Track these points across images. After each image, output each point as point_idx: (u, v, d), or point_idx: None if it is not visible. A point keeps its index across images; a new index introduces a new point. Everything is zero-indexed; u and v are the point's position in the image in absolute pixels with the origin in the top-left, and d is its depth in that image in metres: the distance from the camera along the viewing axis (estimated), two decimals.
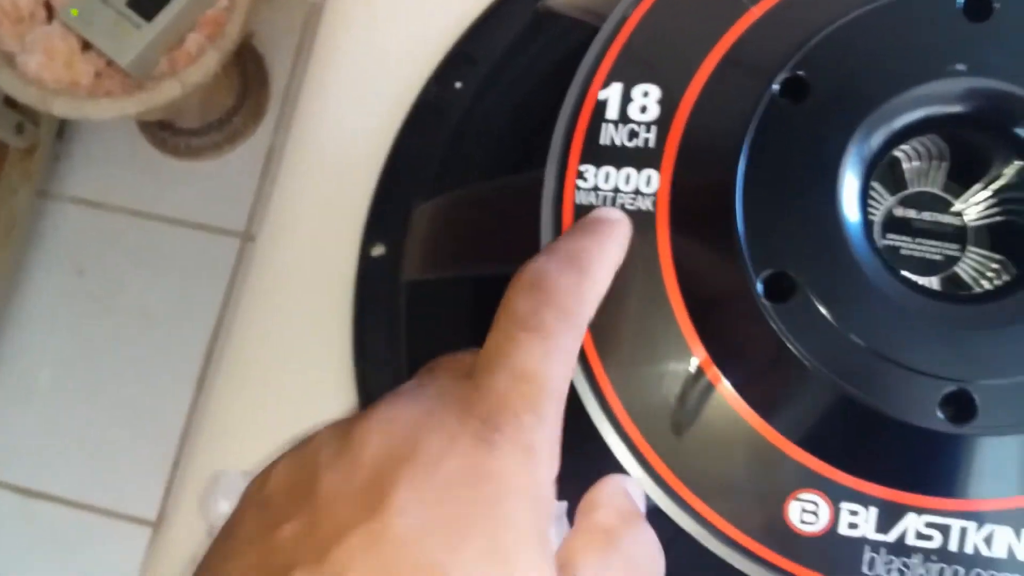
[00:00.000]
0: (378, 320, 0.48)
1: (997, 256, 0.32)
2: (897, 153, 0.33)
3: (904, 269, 0.32)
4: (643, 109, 0.31)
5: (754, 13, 0.31)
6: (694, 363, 0.29)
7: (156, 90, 0.75)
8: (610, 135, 0.31)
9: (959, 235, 0.32)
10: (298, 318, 0.50)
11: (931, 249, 0.32)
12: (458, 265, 0.44)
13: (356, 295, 0.49)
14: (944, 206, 0.33)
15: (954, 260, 0.32)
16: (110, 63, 0.77)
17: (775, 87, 0.29)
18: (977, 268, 0.32)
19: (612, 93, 0.32)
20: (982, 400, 0.27)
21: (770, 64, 0.30)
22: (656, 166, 0.31)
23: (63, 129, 1.04)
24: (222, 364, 0.50)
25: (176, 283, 1.01)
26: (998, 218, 0.32)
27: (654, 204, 0.31)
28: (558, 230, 0.31)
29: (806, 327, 0.28)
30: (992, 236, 0.33)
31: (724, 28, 0.31)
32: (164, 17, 0.75)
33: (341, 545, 0.22)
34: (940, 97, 0.29)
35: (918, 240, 0.32)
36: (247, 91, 1.02)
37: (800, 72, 0.29)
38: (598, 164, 0.31)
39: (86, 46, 0.77)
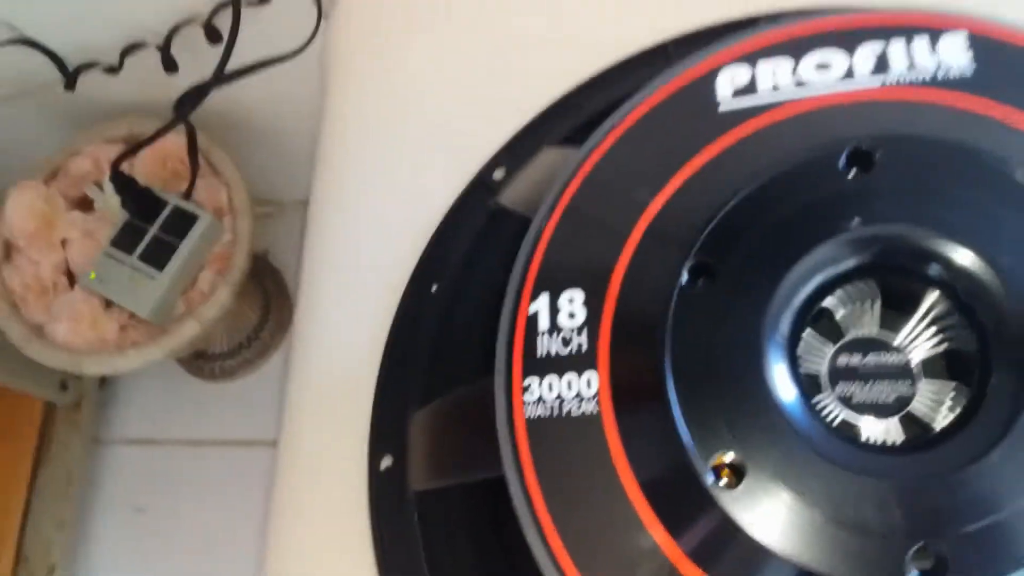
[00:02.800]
0: (396, 534, 0.49)
1: (950, 384, 0.32)
2: (827, 303, 0.33)
3: (863, 413, 0.32)
4: (571, 315, 0.32)
5: (655, 206, 0.32)
6: (660, 558, 0.29)
7: (177, 333, 0.79)
8: (545, 346, 0.33)
9: (906, 372, 0.33)
10: (321, 541, 0.51)
11: (883, 391, 0.32)
12: (455, 472, 0.45)
13: (372, 512, 0.50)
14: (885, 346, 0.33)
15: (908, 398, 0.32)
16: (132, 315, 0.81)
17: (684, 275, 0.31)
18: (932, 401, 0.32)
19: (541, 305, 0.33)
20: (952, 551, 0.27)
21: (677, 253, 0.31)
22: (593, 367, 0.32)
23: (104, 377, 1.09)
24: None
25: (231, 503, 1.03)
26: (942, 347, 0.33)
27: (598, 405, 0.31)
28: (514, 449, 0.32)
29: (760, 510, 0.28)
30: (940, 366, 0.33)
31: (630, 225, 0.32)
32: (175, 264, 0.80)
33: None
34: (840, 254, 0.30)
35: (868, 385, 0.33)
36: (270, 305, 1.07)
37: (704, 258, 0.30)
38: (540, 375, 0.32)
39: (108, 304, 0.82)
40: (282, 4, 0.73)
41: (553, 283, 0.33)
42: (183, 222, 0.82)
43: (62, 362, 0.78)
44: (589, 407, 0.31)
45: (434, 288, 0.52)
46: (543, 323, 0.33)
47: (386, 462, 0.50)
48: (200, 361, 1.07)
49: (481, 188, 0.54)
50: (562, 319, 0.32)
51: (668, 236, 0.32)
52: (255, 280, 1.07)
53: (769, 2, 0.47)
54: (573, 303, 0.32)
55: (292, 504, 0.52)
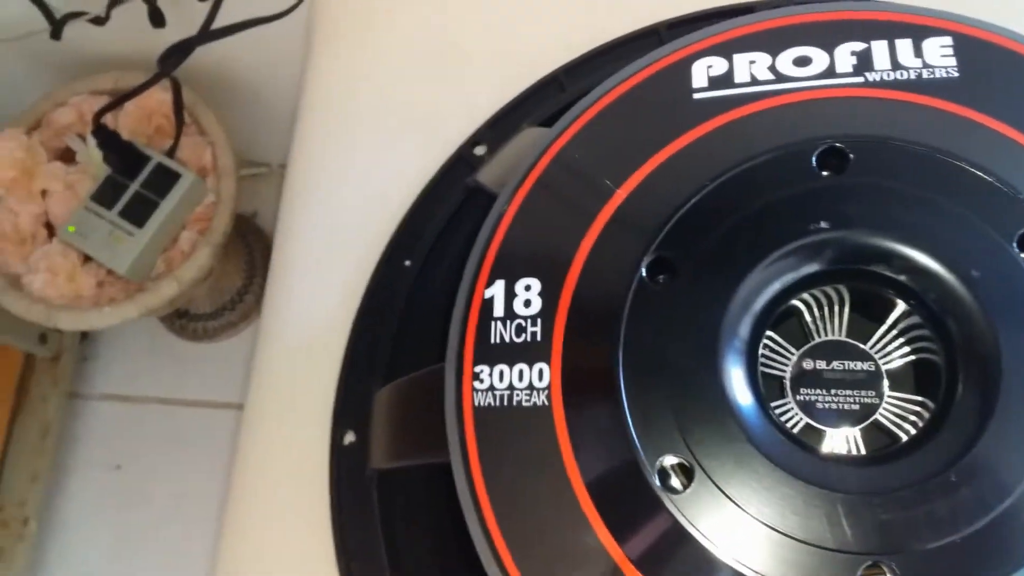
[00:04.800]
0: (354, 512, 0.48)
1: (915, 399, 0.31)
2: (798, 305, 0.32)
3: (823, 423, 0.31)
4: (527, 303, 0.31)
5: (619, 195, 0.31)
6: (603, 556, 0.28)
7: (154, 291, 0.78)
8: (499, 332, 0.32)
9: (874, 381, 0.32)
10: (279, 507, 0.50)
11: (848, 399, 0.31)
12: (413, 454, 0.44)
13: (331, 488, 0.49)
14: (852, 353, 0.32)
15: (873, 408, 0.31)
16: (110, 272, 0.80)
17: (643, 271, 0.29)
18: (897, 413, 0.31)
19: (496, 291, 0.32)
20: (904, 570, 0.26)
21: (638, 246, 0.30)
22: (546, 359, 0.31)
23: (85, 332, 1.08)
24: (217, 556, 0.51)
25: (207, 464, 1.03)
26: (910, 357, 0.31)
27: (549, 398, 0.30)
28: (461, 438, 0.31)
29: (707, 515, 0.27)
30: (908, 377, 0.31)
31: (593, 214, 0.31)
32: (154, 222, 0.79)
33: None
34: (805, 258, 0.29)
35: (833, 392, 0.31)
36: (255, 268, 1.06)
37: (665, 253, 0.29)
38: (491, 364, 0.31)
39: (86, 259, 0.81)
40: None
41: (510, 269, 0.32)
42: (165, 180, 0.80)
43: (37, 314, 0.77)
44: (539, 399, 0.30)
45: (407, 263, 0.51)
46: (498, 309, 0.32)
47: (349, 437, 0.49)
48: (183, 320, 1.06)
49: (461, 164, 0.52)
50: (517, 306, 0.31)
51: (631, 228, 0.30)
52: (241, 242, 1.05)
53: None
54: (530, 291, 0.31)
55: (253, 472, 0.51)
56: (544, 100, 0.52)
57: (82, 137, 0.83)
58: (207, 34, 0.70)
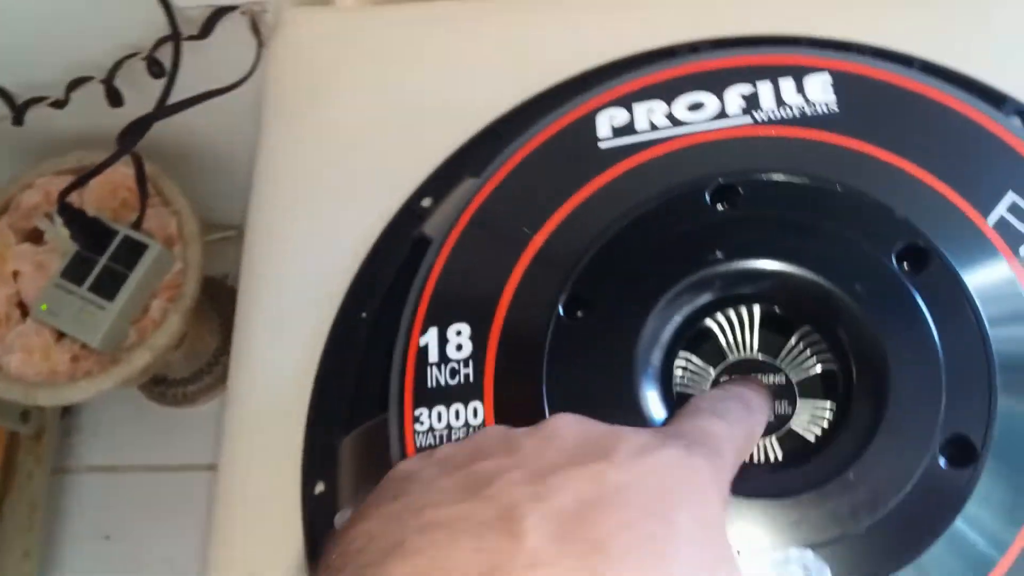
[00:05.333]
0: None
1: (825, 404, 0.34)
2: (710, 323, 0.35)
3: None
4: (459, 347, 0.34)
5: (537, 240, 0.34)
6: None
7: (128, 362, 0.80)
8: (435, 377, 0.34)
9: (787, 392, 0.34)
10: (258, 559, 0.52)
11: None
12: None
13: (306, 539, 0.51)
14: (765, 368, 0.34)
15: (787, 417, 0.34)
16: (84, 346, 0.82)
17: (560, 308, 0.32)
18: (809, 419, 0.34)
19: (431, 338, 0.35)
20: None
21: (555, 286, 0.32)
22: (480, 397, 0.33)
23: (66, 406, 1.10)
24: None
25: (196, 527, 1.04)
26: (816, 368, 0.34)
27: None
28: None
29: None
30: (816, 385, 0.34)
31: (514, 259, 0.34)
32: (124, 293, 0.81)
33: (558, 473, 0.24)
34: (704, 286, 0.31)
35: None
36: (229, 331, 1.07)
37: (579, 290, 0.32)
38: (430, 406, 0.34)
39: (60, 335, 0.83)
40: (223, 37, 0.74)
41: (442, 316, 0.34)
42: (133, 252, 0.83)
43: (16, 394, 0.79)
44: None
45: (363, 315, 0.53)
46: (432, 355, 0.34)
47: (319, 487, 0.51)
48: (161, 387, 1.07)
49: (409, 216, 0.55)
50: (450, 351, 0.34)
51: (549, 270, 0.33)
52: (213, 305, 1.07)
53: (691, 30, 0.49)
54: (461, 335, 0.34)
55: (230, 528, 0.53)
56: (484, 151, 0.55)
57: (49, 217, 0.86)
58: (164, 110, 0.73)
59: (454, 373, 0.34)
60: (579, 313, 0.32)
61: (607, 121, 0.36)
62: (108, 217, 0.85)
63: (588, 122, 0.36)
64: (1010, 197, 0.32)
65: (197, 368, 1.05)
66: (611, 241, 0.32)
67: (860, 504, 0.29)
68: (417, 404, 0.34)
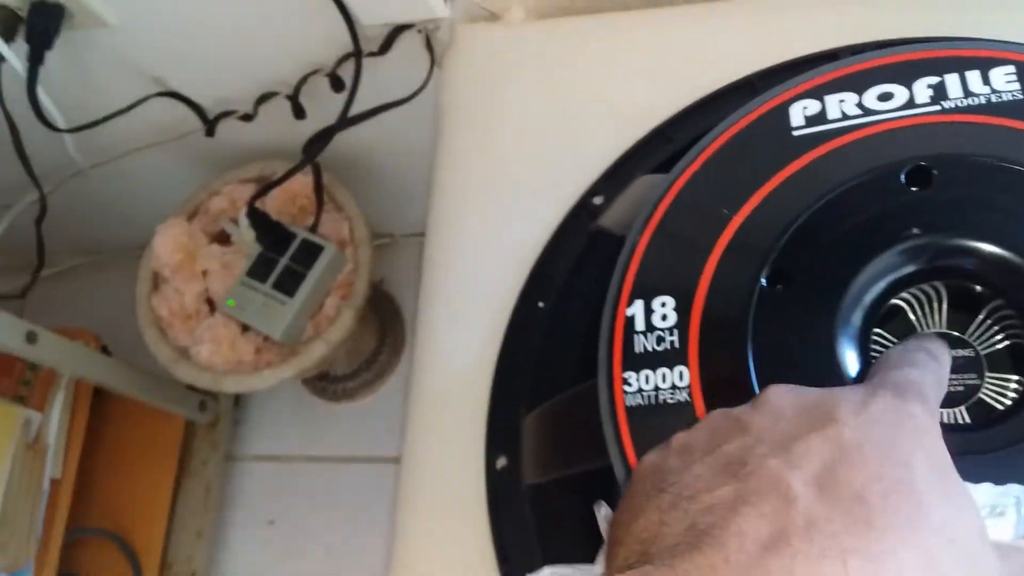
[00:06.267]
0: (513, 527, 0.54)
1: (1013, 378, 0.35)
2: (898, 302, 0.37)
3: None
4: (664, 317, 0.37)
5: (736, 220, 0.37)
6: None
7: (306, 353, 0.87)
8: (642, 344, 0.37)
9: (975, 365, 0.36)
10: (444, 536, 0.56)
11: (953, 382, 0.36)
12: (563, 465, 0.50)
13: (490, 507, 0.54)
14: (953, 342, 0.36)
15: (976, 388, 0.36)
16: (266, 338, 0.89)
17: (763, 280, 0.35)
18: (997, 391, 0.35)
19: (637, 309, 0.38)
20: None
21: (756, 260, 0.35)
22: (684, 362, 0.36)
23: (239, 397, 1.18)
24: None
25: (352, 516, 1.10)
26: (1005, 343, 0.36)
27: (690, 395, 0.36)
28: (617, 434, 0.37)
29: None
30: (1004, 359, 0.36)
31: (714, 237, 0.37)
32: (303, 291, 0.88)
33: (799, 442, 0.28)
34: (901, 260, 0.34)
35: None
36: (386, 330, 1.14)
37: (781, 264, 0.35)
38: (637, 370, 0.37)
39: (244, 328, 0.90)
40: (399, 54, 0.80)
41: (647, 290, 0.38)
42: (310, 253, 0.90)
43: (205, 381, 0.87)
44: (681, 396, 0.36)
45: (541, 304, 0.57)
46: (639, 324, 0.38)
47: (501, 462, 0.55)
48: (323, 383, 1.15)
49: (582, 212, 0.59)
50: (656, 320, 0.37)
51: (749, 246, 0.36)
52: (371, 306, 1.14)
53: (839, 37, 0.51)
54: (665, 307, 0.37)
55: (418, 507, 0.57)
56: (652, 151, 0.58)
57: (234, 221, 0.94)
58: (345, 121, 0.80)
59: (660, 340, 0.37)
60: (779, 286, 0.35)
61: (800, 111, 0.39)
62: (287, 222, 0.92)
63: (782, 112, 0.39)
64: None
65: (357, 365, 1.12)
66: (810, 219, 0.35)
67: None
68: (625, 368, 0.37)
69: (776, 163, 0.38)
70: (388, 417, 1.13)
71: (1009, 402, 0.35)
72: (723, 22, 0.62)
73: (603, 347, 0.38)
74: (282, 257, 0.90)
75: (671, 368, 0.36)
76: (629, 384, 0.37)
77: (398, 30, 0.78)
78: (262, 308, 0.88)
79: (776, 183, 0.37)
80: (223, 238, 0.95)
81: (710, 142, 0.40)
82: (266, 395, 1.17)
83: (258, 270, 0.90)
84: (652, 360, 0.37)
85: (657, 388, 0.36)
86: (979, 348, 0.36)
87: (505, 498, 0.54)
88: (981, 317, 0.36)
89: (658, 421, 0.36)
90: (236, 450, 1.18)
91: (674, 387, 0.36)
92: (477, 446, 0.56)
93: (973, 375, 0.36)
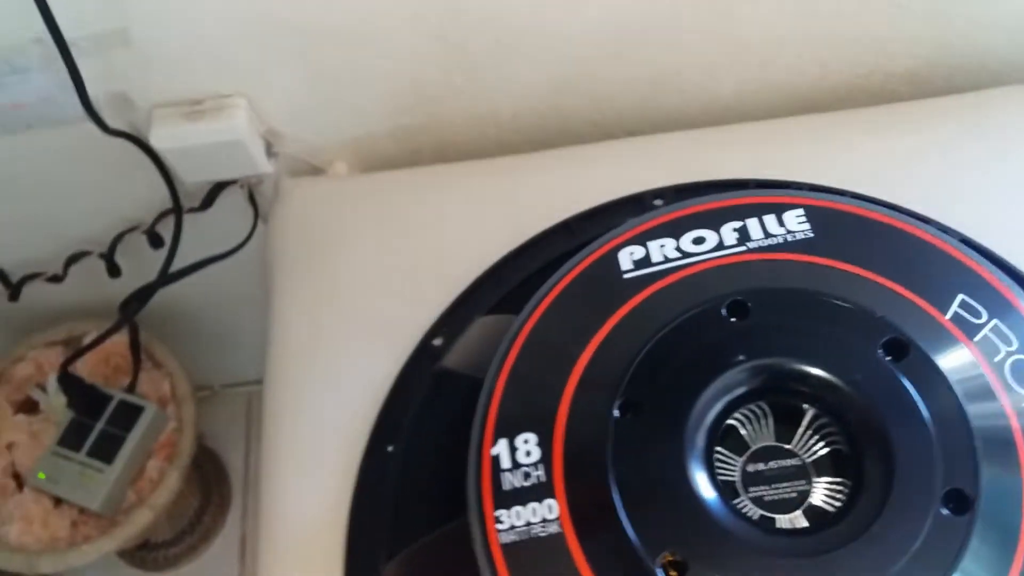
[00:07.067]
0: None
1: (837, 480, 0.40)
2: (732, 422, 0.41)
3: (771, 512, 0.40)
4: (528, 453, 0.40)
5: (584, 358, 0.40)
6: None
7: (129, 523, 0.82)
8: (510, 481, 0.39)
9: (802, 472, 0.41)
10: None
11: (786, 490, 0.40)
12: None
13: None
14: (782, 452, 0.41)
15: (806, 494, 0.40)
16: (82, 510, 0.83)
17: (615, 411, 0.38)
18: (827, 495, 0.40)
19: (501, 448, 0.40)
20: None
21: (607, 393, 0.39)
22: (552, 495, 0.39)
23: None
24: None
25: None
26: (826, 449, 0.41)
27: (560, 525, 0.38)
28: (494, 572, 0.38)
29: None
30: (827, 464, 0.41)
31: (566, 374, 0.40)
32: (123, 456, 0.83)
33: None
34: (732, 382, 0.38)
35: (774, 485, 0.40)
36: (209, 488, 1.09)
37: (628, 395, 0.38)
38: (508, 507, 0.39)
39: (58, 501, 0.84)
40: (221, 208, 0.80)
41: (509, 428, 0.40)
42: (129, 414, 0.86)
43: (18, 564, 0.80)
44: (553, 527, 0.38)
45: (390, 448, 0.58)
46: (505, 462, 0.40)
47: None
48: (142, 552, 1.07)
49: (423, 355, 0.61)
50: (520, 456, 0.40)
51: (599, 381, 0.39)
52: (192, 464, 1.09)
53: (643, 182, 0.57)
54: (528, 443, 0.40)
55: None
56: (485, 294, 0.62)
57: (42, 387, 0.88)
58: (166, 278, 0.78)
59: (527, 476, 0.39)
60: (629, 415, 0.39)
61: (628, 256, 0.43)
62: (101, 383, 0.88)
63: (612, 258, 0.43)
64: (960, 296, 0.40)
65: (179, 529, 1.06)
66: (650, 351, 0.39)
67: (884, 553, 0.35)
68: (496, 506, 0.39)
69: (613, 303, 0.42)
70: None
71: (839, 503, 0.39)
72: (536, 171, 0.67)
73: (471, 487, 0.40)
74: (97, 422, 0.85)
75: (540, 502, 0.38)
76: (501, 522, 0.39)
77: (220, 185, 0.78)
78: (77, 478, 0.83)
79: (615, 321, 0.41)
80: (30, 406, 0.89)
81: (552, 286, 0.44)
82: (74, 573, 1.08)
83: (71, 438, 0.85)
84: (521, 496, 0.39)
85: (528, 523, 0.38)
86: (804, 457, 0.41)
87: None
88: (802, 428, 0.41)
89: (532, 555, 0.38)
90: None
91: (544, 520, 0.38)
92: None
93: (802, 481, 0.40)
